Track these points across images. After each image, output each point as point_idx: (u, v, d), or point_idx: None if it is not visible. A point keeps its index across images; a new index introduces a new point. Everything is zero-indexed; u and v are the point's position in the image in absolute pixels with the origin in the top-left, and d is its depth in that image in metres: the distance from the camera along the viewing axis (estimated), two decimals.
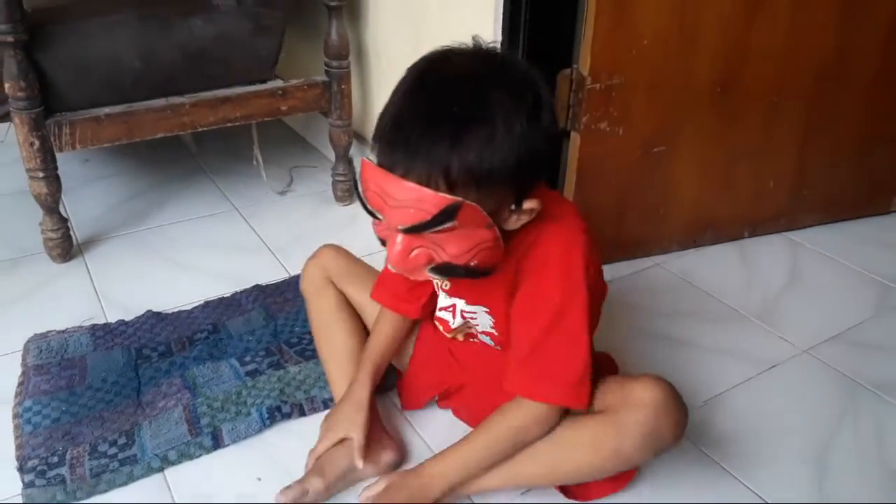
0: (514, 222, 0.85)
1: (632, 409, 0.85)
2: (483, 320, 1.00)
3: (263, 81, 1.60)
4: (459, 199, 0.77)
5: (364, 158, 0.83)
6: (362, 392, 1.03)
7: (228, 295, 1.41)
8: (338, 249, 1.18)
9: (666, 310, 1.41)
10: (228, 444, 1.07)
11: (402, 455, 1.04)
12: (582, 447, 0.88)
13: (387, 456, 1.02)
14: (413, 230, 0.80)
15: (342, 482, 0.99)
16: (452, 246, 0.82)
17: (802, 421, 1.14)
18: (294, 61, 1.79)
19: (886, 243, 1.64)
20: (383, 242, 0.87)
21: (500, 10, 1.30)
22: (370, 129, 1.80)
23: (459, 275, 0.86)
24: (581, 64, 1.29)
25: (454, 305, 1.01)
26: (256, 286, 1.43)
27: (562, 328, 0.87)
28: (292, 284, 1.44)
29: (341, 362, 1.09)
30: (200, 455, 1.05)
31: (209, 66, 1.51)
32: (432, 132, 0.77)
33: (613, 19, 1.25)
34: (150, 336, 1.28)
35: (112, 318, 1.34)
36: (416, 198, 0.77)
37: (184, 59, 1.47)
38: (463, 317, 1.02)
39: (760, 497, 1.00)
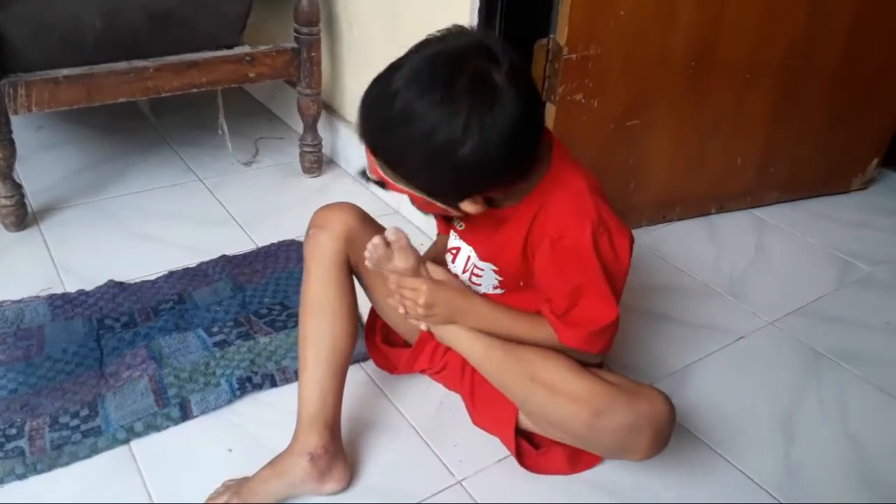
0: (459, 213, 0.91)
1: (634, 396, 0.87)
2: (488, 280, 1.00)
3: (230, 47, 1.55)
4: (387, 180, 0.86)
5: None
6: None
7: (194, 265, 1.37)
8: (365, 223, 1.03)
9: (636, 284, 1.41)
10: (197, 416, 1.04)
11: (347, 484, 0.95)
12: (575, 397, 0.88)
13: (330, 486, 0.93)
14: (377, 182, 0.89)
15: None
16: (415, 198, 0.90)
17: (769, 390, 1.16)
18: (263, 27, 1.74)
19: (847, 221, 1.68)
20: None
21: None
22: (340, 100, 1.79)
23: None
24: (558, 34, 1.28)
25: (468, 257, 1.01)
26: (223, 256, 1.39)
27: (590, 285, 0.88)
28: (260, 255, 1.41)
29: (322, 361, 0.96)
30: (168, 426, 1.02)
31: (174, 28, 1.45)
32: (369, 117, 0.82)
33: None
34: (113, 306, 1.24)
35: (71, 289, 1.28)
36: (370, 160, 0.86)
37: (148, 19, 1.41)
38: (472, 275, 1.01)
39: (732, 463, 1.02)
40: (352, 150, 1.75)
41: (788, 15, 1.44)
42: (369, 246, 0.97)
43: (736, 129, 1.55)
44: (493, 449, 1.02)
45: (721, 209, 1.66)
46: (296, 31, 1.58)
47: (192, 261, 1.38)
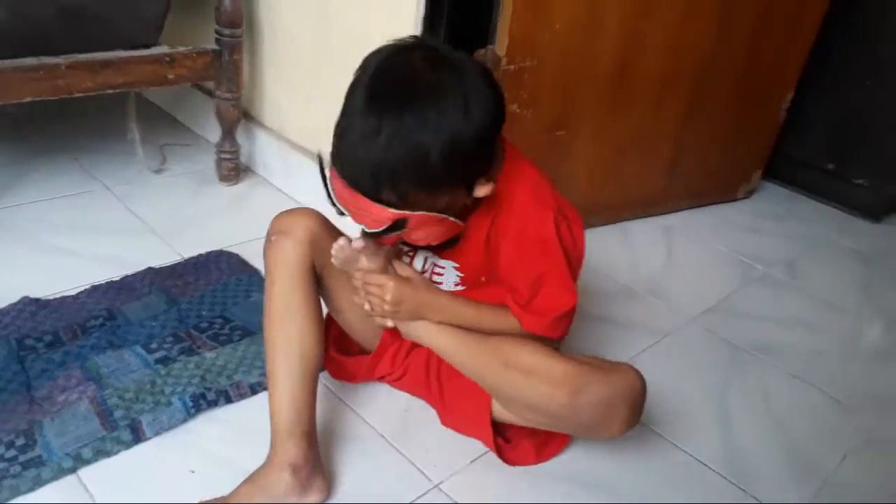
0: (473, 200, 0.90)
1: (610, 371, 0.91)
2: (448, 279, 1.01)
3: (147, 47, 1.46)
4: (405, 213, 0.83)
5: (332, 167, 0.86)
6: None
7: (118, 279, 1.27)
8: (327, 228, 1.00)
9: None
10: (150, 437, 0.97)
11: (327, 496, 0.93)
12: (553, 378, 0.90)
13: (311, 497, 0.90)
14: (372, 235, 0.88)
15: None
16: (415, 235, 0.90)
17: (700, 381, 1.25)
18: (181, 28, 1.65)
19: (740, 226, 1.85)
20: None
21: None
22: (259, 106, 1.73)
23: (428, 246, 0.96)
24: (498, 45, 1.32)
25: (425, 258, 1.02)
26: (149, 269, 1.30)
27: (552, 273, 0.91)
28: (189, 267, 1.33)
29: (294, 370, 0.93)
30: (119, 451, 0.95)
31: (88, 24, 1.35)
32: (371, 148, 0.80)
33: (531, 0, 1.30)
34: (33, 325, 1.13)
35: None
36: (369, 209, 0.84)
37: (59, 14, 1.30)
38: (433, 273, 1.02)
39: (679, 447, 1.09)
40: (270, 156, 1.70)
41: (700, 33, 1.56)
42: (336, 246, 0.96)
43: (650, 139, 1.67)
44: (465, 449, 1.03)
45: (634, 216, 1.77)
46: (217, 32, 1.52)
47: (113, 274, 1.28)
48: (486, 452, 1.03)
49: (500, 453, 1.00)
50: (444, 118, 0.78)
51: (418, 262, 1.03)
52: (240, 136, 1.67)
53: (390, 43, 0.84)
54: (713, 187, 1.90)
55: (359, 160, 0.81)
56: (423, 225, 0.86)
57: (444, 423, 1.06)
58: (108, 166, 1.68)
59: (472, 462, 1.02)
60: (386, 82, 0.81)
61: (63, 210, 1.49)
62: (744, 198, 1.98)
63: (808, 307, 1.54)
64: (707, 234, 1.78)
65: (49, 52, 1.31)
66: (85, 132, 1.81)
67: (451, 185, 0.85)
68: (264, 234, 1.00)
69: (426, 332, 1.00)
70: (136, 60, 1.42)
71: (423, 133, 0.78)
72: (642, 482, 1.03)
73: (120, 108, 1.70)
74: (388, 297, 0.95)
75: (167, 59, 1.46)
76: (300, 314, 0.95)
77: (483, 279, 1.01)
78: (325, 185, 0.89)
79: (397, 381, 1.11)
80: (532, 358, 0.93)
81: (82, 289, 1.23)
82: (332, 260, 0.97)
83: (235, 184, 1.69)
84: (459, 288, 1.03)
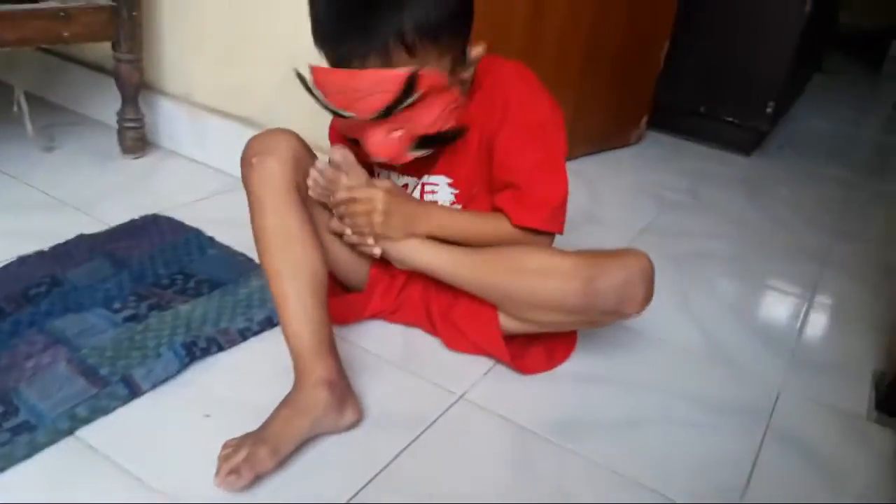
0: (468, 73, 0.91)
1: (621, 256, 0.94)
2: (443, 195, 1.00)
3: (35, 1, 1.30)
4: (415, 67, 0.81)
5: (312, 64, 0.84)
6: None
7: (47, 249, 1.12)
8: (307, 149, 0.96)
9: None
10: (147, 390, 0.87)
11: (362, 415, 0.88)
12: (566, 273, 0.91)
13: (349, 417, 0.85)
14: (385, 114, 0.84)
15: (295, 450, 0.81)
16: (424, 116, 0.87)
17: (661, 285, 1.33)
18: None
19: (641, 167, 1.98)
20: (355, 141, 0.92)
21: None
22: (157, 72, 1.60)
23: (440, 142, 0.92)
24: None
25: (406, 185, 0.99)
26: (81, 235, 1.17)
27: (548, 162, 0.94)
28: (126, 232, 1.21)
29: (305, 290, 0.87)
30: (116, 407, 0.84)
31: None
32: (371, 9, 0.80)
33: None
34: None
35: None
36: (377, 80, 0.82)
37: None
38: (423, 193, 1.00)
39: (665, 339, 1.16)
40: (178, 125, 1.58)
41: (584, 13, 1.70)
42: (313, 173, 0.92)
43: (557, 88, 1.73)
44: (475, 364, 1.02)
45: None
46: None
47: (37, 247, 1.13)
48: (495, 365, 1.03)
49: (515, 362, 1.01)
50: None
51: (406, 183, 1.01)
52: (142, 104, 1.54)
53: None
54: (610, 134, 2.03)
55: (360, 24, 0.79)
56: (433, 92, 0.84)
57: (450, 346, 1.04)
58: None
59: (485, 374, 1.01)
60: None
61: None
62: (635, 143, 2.13)
63: (716, 221, 1.69)
64: (616, 173, 1.90)
65: None
66: None
67: (454, 35, 0.85)
68: (187, 202, 0.94)
69: (420, 252, 0.97)
70: (27, 14, 1.27)
71: None
72: (646, 372, 1.07)
73: None
74: (379, 207, 0.92)
75: (62, 14, 1.32)
76: (298, 234, 0.89)
77: (475, 191, 1.01)
78: (313, 94, 0.86)
79: (393, 315, 1.08)
80: (541, 258, 0.94)
81: (7, 262, 1.08)
82: (310, 191, 0.93)
83: (142, 156, 1.55)
84: (456, 208, 1.02)
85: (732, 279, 1.41)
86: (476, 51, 0.90)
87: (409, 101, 0.83)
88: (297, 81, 0.86)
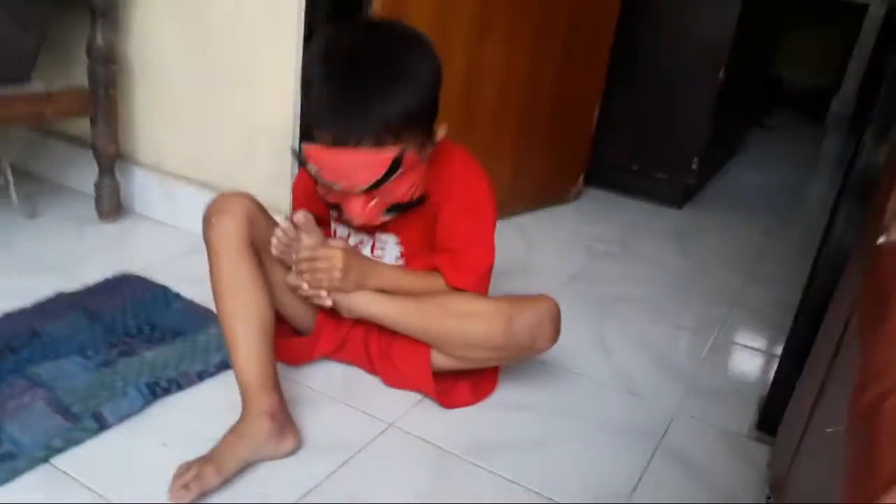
0: (429, 151, 1.08)
1: (533, 301, 1.10)
2: (391, 251, 1.16)
3: (19, 82, 1.47)
4: (400, 150, 0.99)
5: (306, 144, 1.02)
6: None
7: (29, 306, 1.26)
8: (260, 209, 1.10)
9: None
10: (113, 424, 1.01)
11: (300, 443, 1.02)
12: (488, 314, 1.08)
13: (287, 444, 0.99)
14: (373, 187, 1.02)
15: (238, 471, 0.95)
16: (400, 188, 1.05)
17: (582, 326, 1.50)
18: (53, 66, 1.66)
19: (578, 220, 2.18)
20: (335, 207, 1.10)
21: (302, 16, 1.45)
22: (132, 143, 1.76)
23: (406, 209, 1.09)
24: None
25: (361, 241, 1.17)
26: (59, 293, 1.31)
27: (480, 236, 1.12)
28: (100, 289, 1.35)
29: (253, 333, 1.02)
30: (85, 439, 0.98)
31: None
32: (365, 99, 0.98)
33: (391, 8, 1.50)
34: None
35: None
36: (368, 161, 0.99)
37: None
38: (373, 248, 1.17)
39: (580, 373, 1.31)
40: (150, 192, 1.74)
41: (521, 67, 1.90)
42: (277, 232, 1.07)
43: (494, 154, 1.94)
44: (406, 396, 1.17)
45: None
46: (90, 69, 1.57)
47: (20, 304, 1.27)
48: (425, 398, 1.17)
49: (440, 398, 1.15)
50: (421, 64, 1.00)
51: (353, 241, 1.18)
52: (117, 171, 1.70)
53: (330, 25, 1.05)
54: (548, 192, 2.22)
55: (355, 114, 0.97)
56: (410, 169, 1.02)
57: (387, 382, 1.19)
58: None
59: (415, 405, 1.16)
60: (352, 45, 1.01)
61: None
62: (574, 199, 2.33)
63: (642, 269, 1.87)
64: (553, 227, 2.08)
65: None
66: None
67: (428, 120, 1.03)
68: (157, 262, 1.09)
69: (367, 302, 1.12)
70: (12, 97, 1.44)
71: (406, 78, 0.98)
72: (559, 401, 1.23)
73: None
74: (339, 265, 1.07)
75: (44, 95, 1.49)
76: (250, 283, 1.04)
77: (416, 249, 1.17)
78: (310, 172, 1.03)
79: (338, 354, 1.22)
80: (467, 303, 1.11)
81: None
82: (272, 249, 1.08)
83: (117, 221, 1.71)
84: (401, 262, 1.18)
85: (646, 320, 1.58)
86: (440, 131, 1.08)
87: (394, 175, 1.01)
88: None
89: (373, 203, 1.04)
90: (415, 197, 1.08)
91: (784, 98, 5.21)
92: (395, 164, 1.00)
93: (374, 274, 1.13)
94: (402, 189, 1.05)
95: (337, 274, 1.08)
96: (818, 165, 3.60)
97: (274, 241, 1.08)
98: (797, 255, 2.14)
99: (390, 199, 1.05)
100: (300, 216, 1.07)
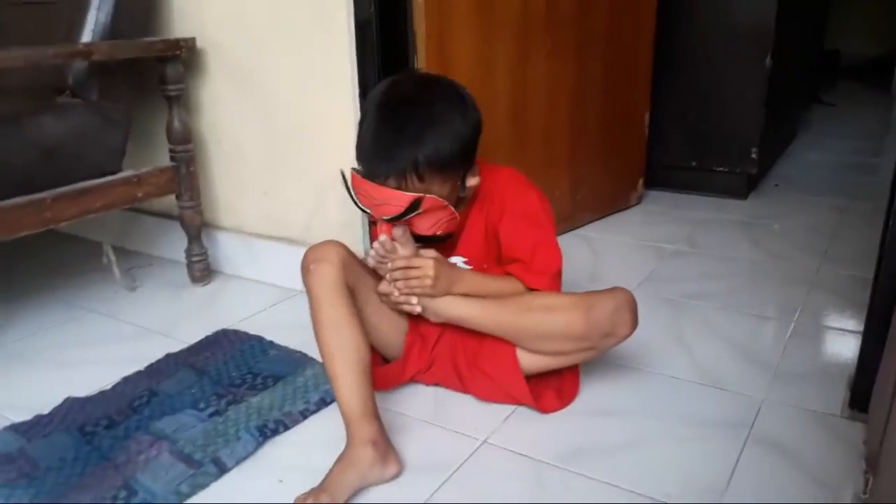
0: (466, 194, 1.20)
1: (609, 291, 1.17)
2: None
3: (113, 173, 1.63)
4: (420, 195, 1.09)
5: (352, 170, 1.15)
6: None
7: (143, 368, 1.39)
8: (349, 253, 1.18)
9: None
10: (232, 467, 1.10)
11: (402, 467, 1.08)
12: (568, 306, 1.16)
13: (391, 469, 1.06)
14: (393, 219, 1.13)
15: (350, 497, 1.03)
16: (423, 224, 1.15)
17: (659, 326, 1.52)
18: (138, 152, 1.82)
19: (640, 223, 2.19)
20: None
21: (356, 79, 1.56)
22: (213, 210, 1.91)
23: (432, 242, 1.19)
24: None
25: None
26: (168, 354, 1.43)
27: (543, 240, 1.20)
28: (203, 346, 1.47)
29: (353, 368, 1.10)
30: (209, 483, 1.07)
31: (63, 161, 1.52)
32: (398, 142, 1.11)
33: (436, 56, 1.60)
34: (85, 416, 1.23)
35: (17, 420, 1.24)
36: (391, 196, 1.11)
37: (40, 156, 1.46)
38: None
39: (661, 373, 1.34)
40: (234, 252, 1.88)
41: (563, 83, 1.95)
42: (376, 245, 1.17)
43: (550, 170, 1.99)
44: (494, 412, 1.23)
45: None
46: (172, 150, 1.72)
47: (135, 368, 1.40)
48: (514, 411, 1.22)
49: (537, 403, 1.21)
50: (455, 115, 1.10)
51: None
52: (204, 238, 1.84)
53: (390, 77, 1.17)
54: (609, 200, 2.25)
55: (387, 153, 1.09)
56: (432, 209, 1.11)
57: (480, 396, 1.25)
58: (85, 293, 1.79)
59: (503, 421, 1.21)
60: (401, 95, 1.13)
61: (58, 336, 1.58)
62: (636, 204, 2.35)
63: (713, 263, 1.87)
64: (619, 234, 2.11)
65: (33, 190, 1.46)
66: (47, 271, 1.91)
67: (456, 169, 1.12)
68: (249, 315, 1.24)
69: (454, 305, 1.20)
70: (109, 185, 1.59)
71: (439, 129, 1.07)
72: (645, 402, 1.26)
73: (73, 245, 1.83)
74: (430, 273, 1.16)
75: (135, 179, 1.64)
76: (348, 321, 1.13)
77: (485, 266, 1.26)
78: (350, 193, 1.15)
79: (426, 374, 1.30)
80: (547, 298, 1.19)
81: (114, 382, 1.34)
82: (369, 260, 1.18)
83: (208, 283, 1.84)
84: None
85: (724, 313, 1.58)
86: (472, 181, 1.18)
87: (412, 214, 1.11)
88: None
89: (397, 231, 1.14)
90: (438, 233, 1.17)
91: (844, 71, 5.06)
92: (414, 205, 1.10)
93: (460, 280, 1.21)
94: (425, 226, 1.15)
95: (428, 281, 1.17)
96: (887, 136, 3.48)
97: (372, 252, 1.18)
98: (875, 228, 2.09)
99: (415, 231, 1.16)
100: (399, 230, 1.16)
